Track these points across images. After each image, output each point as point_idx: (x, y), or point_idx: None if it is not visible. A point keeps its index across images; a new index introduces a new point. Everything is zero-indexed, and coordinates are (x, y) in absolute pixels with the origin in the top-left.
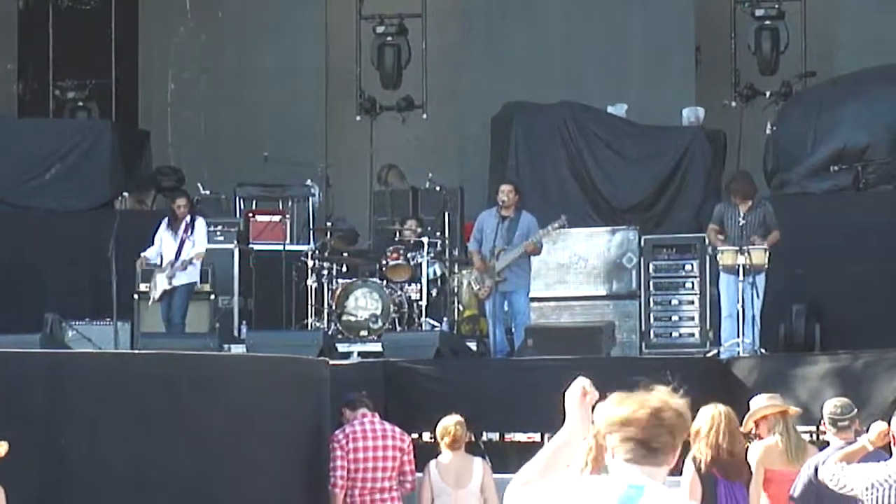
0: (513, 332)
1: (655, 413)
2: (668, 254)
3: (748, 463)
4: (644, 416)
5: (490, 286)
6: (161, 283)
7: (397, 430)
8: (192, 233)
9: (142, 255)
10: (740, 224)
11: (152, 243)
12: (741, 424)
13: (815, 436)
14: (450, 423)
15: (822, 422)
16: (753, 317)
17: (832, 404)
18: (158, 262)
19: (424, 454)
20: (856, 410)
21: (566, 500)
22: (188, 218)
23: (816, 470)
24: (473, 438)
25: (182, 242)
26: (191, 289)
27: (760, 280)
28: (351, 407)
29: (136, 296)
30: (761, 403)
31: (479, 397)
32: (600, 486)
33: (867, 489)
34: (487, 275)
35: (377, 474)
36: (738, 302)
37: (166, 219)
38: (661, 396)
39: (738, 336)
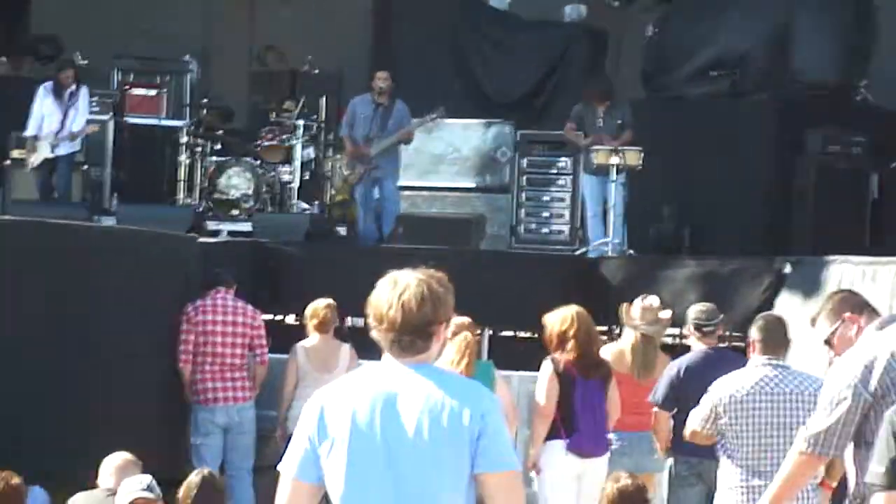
0: (382, 219)
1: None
2: (542, 150)
3: (605, 361)
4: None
5: (361, 172)
6: (42, 150)
7: (249, 307)
8: (76, 102)
9: (27, 135)
10: (598, 124)
11: (30, 108)
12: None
13: (678, 339)
14: (319, 305)
15: (685, 325)
16: (621, 217)
17: (698, 309)
18: (39, 129)
19: (290, 336)
20: (721, 316)
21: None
22: (73, 87)
23: (678, 372)
24: (339, 323)
25: (66, 111)
26: (72, 158)
27: (626, 180)
28: (207, 284)
29: (7, 162)
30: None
31: (346, 282)
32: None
33: (725, 398)
34: (359, 161)
35: (226, 350)
36: (601, 202)
37: (46, 85)
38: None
39: (606, 236)
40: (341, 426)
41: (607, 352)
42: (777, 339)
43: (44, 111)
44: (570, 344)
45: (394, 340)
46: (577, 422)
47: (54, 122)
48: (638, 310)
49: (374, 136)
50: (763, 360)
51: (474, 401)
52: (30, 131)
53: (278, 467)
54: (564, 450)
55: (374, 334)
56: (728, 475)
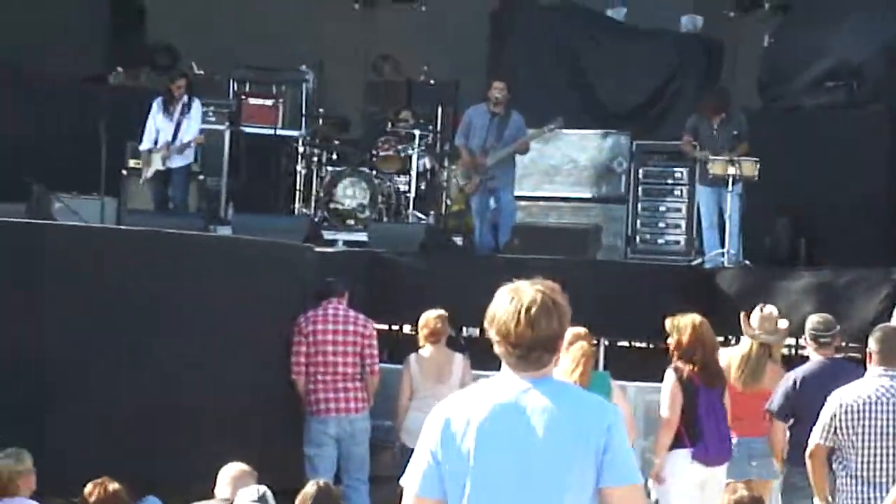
0: (498, 229)
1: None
2: (658, 160)
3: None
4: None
5: (477, 182)
6: (155, 163)
7: (361, 316)
8: (188, 113)
9: (142, 149)
10: (714, 135)
11: (145, 122)
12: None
13: (793, 350)
14: (431, 316)
15: (802, 336)
16: (737, 227)
17: (815, 320)
18: (154, 142)
19: (405, 347)
20: (838, 327)
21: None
22: (185, 98)
23: (794, 383)
24: (455, 333)
25: (179, 124)
26: (188, 170)
27: (742, 191)
28: (320, 295)
29: (124, 172)
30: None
31: (462, 292)
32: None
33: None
34: (475, 171)
35: (337, 359)
36: (716, 213)
37: (159, 99)
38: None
39: (722, 246)
40: (466, 442)
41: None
42: (895, 350)
43: (157, 125)
44: (695, 353)
45: (521, 356)
46: (701, 430)
47: (167, 134)
48: (757, 319)
49: (489, 147)
50: (880, 370)
51: (599, 414)
52: (144, 145)
53: (401, 482)
54: (689, 458)
55: (498, 349)
56: (843, 486)
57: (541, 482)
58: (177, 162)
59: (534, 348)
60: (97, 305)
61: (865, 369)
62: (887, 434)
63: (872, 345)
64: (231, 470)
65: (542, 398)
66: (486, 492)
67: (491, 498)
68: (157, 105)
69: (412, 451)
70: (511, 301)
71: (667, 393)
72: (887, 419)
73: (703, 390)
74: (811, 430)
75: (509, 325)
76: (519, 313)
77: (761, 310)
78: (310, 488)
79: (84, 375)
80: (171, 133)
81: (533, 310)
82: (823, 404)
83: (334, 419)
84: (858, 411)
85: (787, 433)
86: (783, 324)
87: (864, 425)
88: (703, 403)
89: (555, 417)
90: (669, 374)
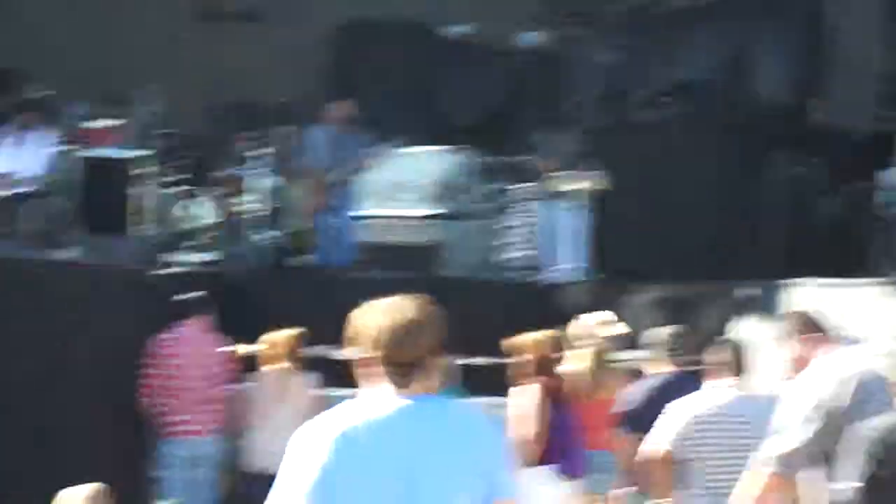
0: (341, 247)
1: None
2: (503, 176)
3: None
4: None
5: (321, 201)
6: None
7: (216, 340)
8: (36, 141)
9: None
10: (554, 152)
11: None
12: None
13: (639, 362)
14: (275, 335)
15: (648, 348)
16: (582, 243)
17: (665, 332)
18: None
19: (253, 366)
20: (682, 341)
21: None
22: (33, 127)
23: (640, 395)
24: (301, 353)
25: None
26: (30, 195)
27: (587, 206)
28: (175, 316)
29: None
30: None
31: (308, 311)
32: None
33: (687, 419)
34: (318, 189)
35: (190, 383)
36: (566, 227)
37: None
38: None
39: (567, 261)
40: (349, 461)
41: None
42: (737, 363)
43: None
44: (554, 368)
45: (405, 374)
46: (565, 445)
47: (11, 162)
48: (593, 325)
49: (333, 166)
50: (722, 383)
51: (484, 431)
52: None
53: (269, 499)
54: (555, 474)
55: (374, 367)
56: (685, 500)
57: (429, 500)
58: (22, 188)
59: (417, 364)
60: None
61: (705, 382)
62: (731, 447)
63: (713, 357)
64: (84, 490)
65: (426, 415)
66: None
67: None
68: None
69: (257, 472)
70: (389, 317)
71: (533, 407)
72: (732, 432)
73: (561, 405)
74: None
75: (390, 341)
76: (401, 329)
77: (594, 316)
78: None
79: None
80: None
81: (414, 325)
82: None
83: (184, 442)
84: (705, 422)
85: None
86: (617, 329)
87: (708, 438)
88: (564, 418)
89: (442, 434)
90: (537, 390)
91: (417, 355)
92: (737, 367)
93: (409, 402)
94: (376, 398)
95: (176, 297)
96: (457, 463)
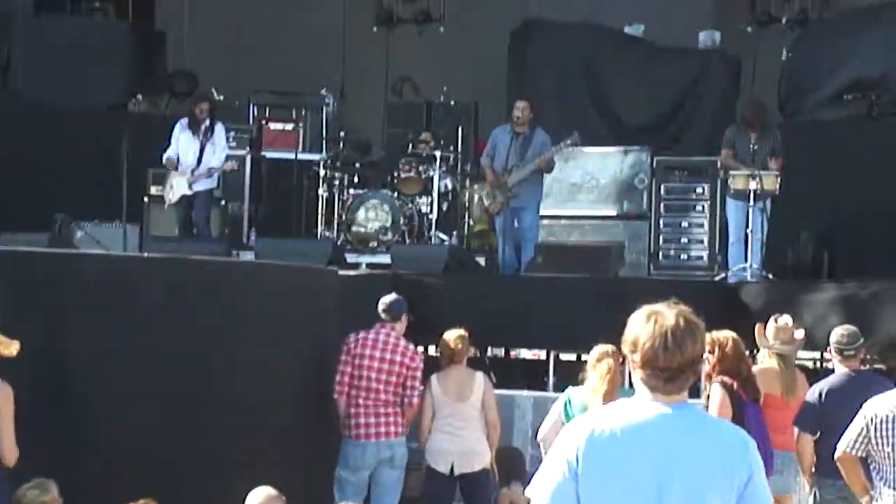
0: (521, 249)
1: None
2: (679, 176)
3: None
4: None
5: (501, 202)
6: (179, 188)
7: (410, 347)
8: (212, 137)
9: (166, 157)
10: (752, 149)
11: (168, 144)
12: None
13: (818, 363)
14: (451, 336)
15: (827, 349)
16: (761, 242)
17: (839, 332)
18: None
19: (429, 367)
20: (862, 339)
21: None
22: (208, 122)
23: (820, 395)
24: (479, 353)
25: (202, 147)
26: (211, 194)
27: (768, 205)
28: (387, 314)
29: (146, 199)
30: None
31: (485, 313)
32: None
33: (877, 419)
34: (499, 190)
35: (380, 385)
36: (745, 227)
37: (182, 121)
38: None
39: (746, 261)
40: (607, 460)
41: (758, 373)
42: None
43: (180, 147)
44: (740, 367)
45: (669, 379)
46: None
47: (190, 157)
48: (772, 329)
49: (513, 166)
50: None
51: (741, 445)
52: (168, 163)
53: (527, 493)
54: None
55: (640, 373)
56: (880, 494)
57: None
58: (201, 186)
59: (682, 370)
60: (124, 333)
61: (893, 381)
62: None
63: None
64: (258, 495)
65: (684, 423)
66: None
67: None
68: (179, 127)
69: (434, 471)
70: (654, 325)
71: (716, 407)
72: None
73: (748, 405)
74: (837, 442)
75: (657, 349)
76: (666, 337)
77: (776, 320)
78: None
79: (116, 402)
80: (195, 157)
81: (678, 332)
82: (850, 417)
83: (373, 444)
84: (892, 420)
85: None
86: (799, 333)
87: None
88: (751, 417)
89: (698, 444)
90: (717, 389)
91: (683, 361)
92: None
93: (667, 409)
94: (637, 403)
95: (380, 299)
96: (710, 473)
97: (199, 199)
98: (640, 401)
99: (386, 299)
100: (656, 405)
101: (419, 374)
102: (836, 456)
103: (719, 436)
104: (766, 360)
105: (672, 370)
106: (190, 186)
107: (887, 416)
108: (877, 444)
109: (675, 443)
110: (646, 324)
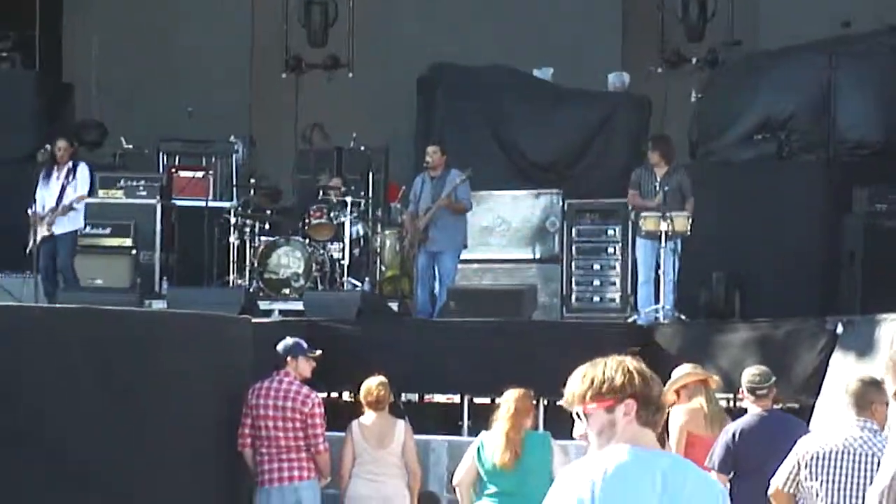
0: (436, 293)
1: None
2: (591, 218)
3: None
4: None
5: (416, 245)
6: (40, 230)
7: (304, 391)
8: (74, 178)
9: (29, 209)
10: (657, 190)
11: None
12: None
13: (733, 402)
14: (373, 383)
15: (740, 389)
16: (673, 283)
17: (751, 372)
18: (40, 210)
19: (346, 414)
20: (774, 379)
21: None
22: (70, 164)
23: (734, 435)
24: (392, 398)
25: (63, 188)
26: (74, 237)
27: (678, 246)
28: (276, 364)
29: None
30: (684, 371)
31: (399, 358)
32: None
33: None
34: (414, 233)
35: (278, 433)
36: (655, 267)
37: (46, 168)
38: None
39: (656, 301)
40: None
41: (681, 411)
42: (866, 400)
43: (43, 192)
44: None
45: (651, 420)
46: None
47: (51, 200)
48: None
49: (427, 208)
50: (852, 420)
51: (714, 489)
52: (30, 210)
53: None
54: None
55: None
56: None
57: None
58: (61, 228)
59: (661, 409)
60: (37, 384)
61: (807, 421)
62: (855, 484)
63: (844, 394)
64: None
65: (662, 466)
66: None
67: None
68: (43, 172)
69: None
70: (625, 369)
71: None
72: (855, 469)
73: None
74: (751, 482)
75: (649, 388)
76: (647, 377)
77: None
78: None
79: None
80: (55, 198)
81: (649, 373)
82: (763, 456)
83: (276, 489)
84: (824, 458)
85: (729, 485)
86: (713, 378)
87: (829, 474)
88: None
89: (677, 486)
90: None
91: (655, 397)
92: (866, 404)
93: (645, 453)
94: (617, 448)
95: (278, 344)
96: None
97: (61, 242)
98: (628, 448)
99: (282, 343)
100: (634, 449)
101: (318, 419)
102: (769, 493)
103: (697, 478)
104: (693, 401)
105: (653, 406)
106: (48, 228)
107: (817, 454)
108: (805, 479)
109: (655, 485)
110: (612, 367)
